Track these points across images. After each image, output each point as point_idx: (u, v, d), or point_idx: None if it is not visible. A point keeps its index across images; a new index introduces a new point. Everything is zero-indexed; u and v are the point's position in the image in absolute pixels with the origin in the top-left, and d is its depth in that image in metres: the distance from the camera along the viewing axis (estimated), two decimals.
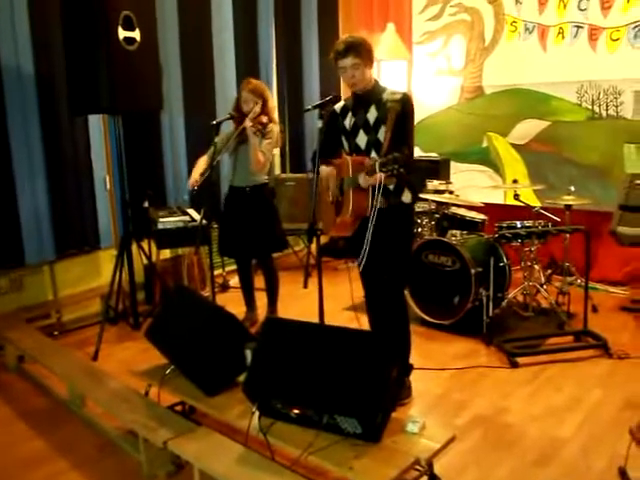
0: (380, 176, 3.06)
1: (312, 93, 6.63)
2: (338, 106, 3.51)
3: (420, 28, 6.33)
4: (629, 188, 4.85)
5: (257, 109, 4.20)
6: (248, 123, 4.15)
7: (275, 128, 4.33)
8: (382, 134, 3.28)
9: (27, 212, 4.56)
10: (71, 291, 4.92)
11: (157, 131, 5.32)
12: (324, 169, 3.46)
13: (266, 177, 4.48)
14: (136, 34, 4.11)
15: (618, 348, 4.07)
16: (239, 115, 4.27)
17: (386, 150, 3.18)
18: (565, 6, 5.37)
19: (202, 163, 4.43)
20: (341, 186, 3.39)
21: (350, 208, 3.25)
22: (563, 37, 5.42)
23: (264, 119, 4.25)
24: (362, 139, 3.38)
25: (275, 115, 4.42)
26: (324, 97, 3.33)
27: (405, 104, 3.28)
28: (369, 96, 3.37)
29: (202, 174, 4.35)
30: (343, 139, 3.49)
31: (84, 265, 5.02)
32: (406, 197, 3.36)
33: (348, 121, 3.45)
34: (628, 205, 4.79)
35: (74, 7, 4.03)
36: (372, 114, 3.34)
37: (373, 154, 3.32)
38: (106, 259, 5.05)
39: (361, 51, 3.27)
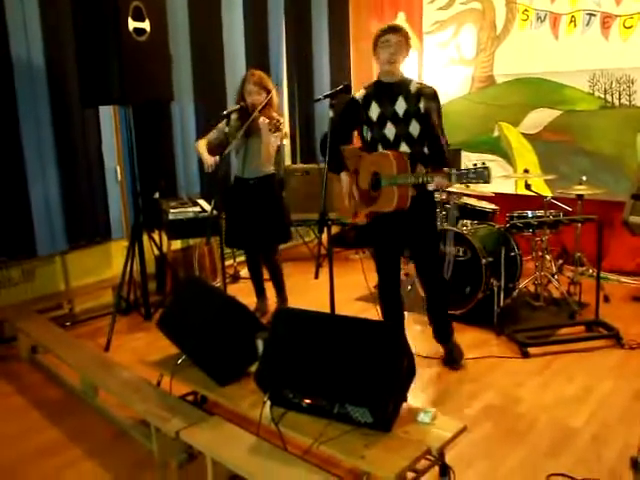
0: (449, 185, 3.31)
1: (322, 83, 6.61)
2: (359, 95, 3.51)
3: (431, 17, 6.30)
4: None
5: (265, 101, 4.19)
6: (264, 120, 4.12)
7: (282, 121, 4.33)
8: (414, 128, 3.39)
9: (39, 203, 4.58)
10: (83, 282, 4.95)
11: (168, 122, 5.33)
12: (344, 181, 3.55)
13: (272, 167, 4.48)
14: (146, 25, 4.11)
15: (630, 338, 4.05)
16: (244, 106, 4.26)
17: (437, 145, 3.43)
18: None
19: (202, 145, 4.38)
20: (376, 180, 3.44)
21: (394, 203, 3.33)
22: (575, 25, 5.37)
23: (274, 114, 4.24)
24: (390, 131, 3.42)
25: (278, 107, 4.41)
26: (334, 87, 3.32)
27: (438, 100, 3.48)
28: (397, 87, 3.42)
29: (220, 156, 4.28)
30: (365, 129, 3.50)
31: (95, 256, 5.05)
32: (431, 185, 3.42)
33: (373, 111, 3.45)
34: None
35: None
36: (400, 106, 3.40)
37: (404, 147, 3.41)
38: (117, 250, 5.08)
39: (406, 36, 3.41)
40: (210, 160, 4.29)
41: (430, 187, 3.33)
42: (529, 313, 4.64)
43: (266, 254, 4.65)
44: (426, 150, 3.45)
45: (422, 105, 3.40)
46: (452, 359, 3.82)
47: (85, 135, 4.81)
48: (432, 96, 3.43)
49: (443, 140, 3.43)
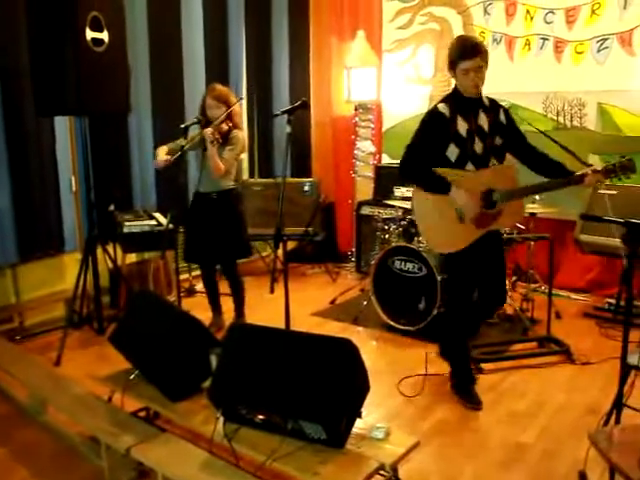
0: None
1: (282, 98, 6.63)
2: (445, 110, 3.36)
3: (390, 36, 6.37)
4: (591, 197, 4.94)
5: (222, 116, 4.19)
6: (208, 131, 4.12)
7: (240, 134, 4.33)
8: (498, 141, 3.38)
9: None
10: (34, 295, 4.83)
11: (124, 133, 5.26)
12: (459, 192, 3.29)
13: (232, 183, 4.46)
14: (104, 35, 4.07)
15: (580, 354, 4.13)
16: (206, 121, 4.26)
17: (538, 151, 3.50)
18: (532, 18, 5.47)
19: (162, 150, 4.31)
20: (490, 198, 3.35)
21: (521, 215, 3.55)
22: (530, 49, 5.50)
23: (224, 127, 4.23)
24: (479, 146, 3.34)
25: (240, 120, 4.40)
26: (294, 102, 3.33)
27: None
28: (477, 101, 3.37)
29: (170, 155, 4.18)
30: (452, 145, 3.33)
31: (48, 268, 4.94)
32: None
33: (461, 126, 3.33)
34: (591, 214, 4.88)
35: (41, 6, 3.98)
36: (483, 120, 3.36)
37: (494, 161, 3.39)
38: (71, 263, 4.97)
39: (486, 54, 3.27)
40: (162, 159, 4.20)
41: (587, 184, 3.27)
42: (483, 329, 4.67)
43: (227, 269, 4.62)
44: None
45: (502, 117, 3.42)
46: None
47: (39, 145, 4.71)
48: (505, 108, 3.46)
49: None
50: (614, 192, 4.79)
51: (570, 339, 4.29)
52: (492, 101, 3.43)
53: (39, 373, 3.59)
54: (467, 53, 3.23)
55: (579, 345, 4.26)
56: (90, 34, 3.98)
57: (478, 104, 3.37)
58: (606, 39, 5.13)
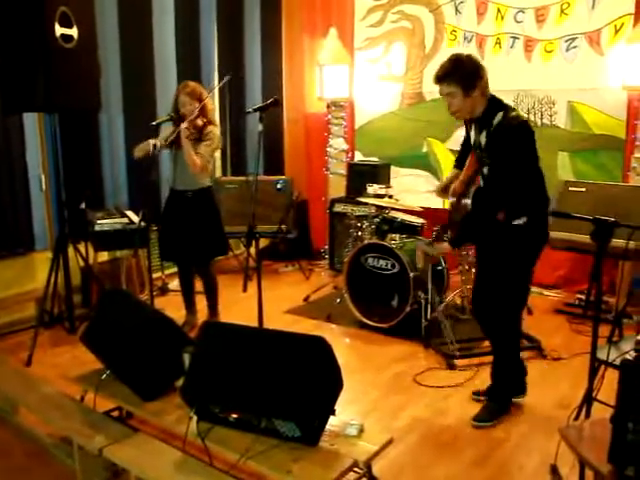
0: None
1: (254, 95, 6.61)
2: None
3: (362, 34, 6.39)
4: (561, 194, 4.99)
5: (196, 111, 4.17)
6: (183, 126, 4.10)
7: (215, 130, 4.30)
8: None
9: None
10: (4, 294, 4.75)
11: (95, 131, 5.21)
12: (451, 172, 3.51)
13: (209, 180, 4.44)
14: (74, 31, 4.02)
15: (551, 349, 4.19)
16: (178, 117, 4.23)
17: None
18: (502, 17, 5.51)
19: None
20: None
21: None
22: (500, 47, 5.55)
23: (200, 122, 4.22)
24: (480, 160, 3.22)
25: (214, 117, 4.39)
26: (266, 99, 3.32)
27: (516, 138, 3.00)
28: (481, 120, 3.10)
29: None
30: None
31: (17, 267, 4.86)
32: (518, 220, 3.14)
33: (472, 134, 3.23)
34: (560, 211, 4.93)
35: (8, 1, 3.92)
36: (483, 140, 3.09)
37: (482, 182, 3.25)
38: (41, 261, 4.90)
39: (460, 76, 3.00)
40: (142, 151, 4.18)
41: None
42: (455, 326, 4.72)
43: (203, 268, 4.59)
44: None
45: (493, 145, 3.03)
46: (478, 415, 3.38)
47: (7, 141, 4.64)
48: (508, 134, 2.97)
49: (502, 189, 3.05)
50: (583, 189, 4.86)
51: (541, 335, 4.34)
52: (499, 125, 3.00)
53: (9, 373, 3.53)
54: (435, 77, 3.10)
55: (550, 341, 4.32)
56: (59, 30, 3.93)
57: (484, 123, 3.09)
58: (575, 38, 5.20)
